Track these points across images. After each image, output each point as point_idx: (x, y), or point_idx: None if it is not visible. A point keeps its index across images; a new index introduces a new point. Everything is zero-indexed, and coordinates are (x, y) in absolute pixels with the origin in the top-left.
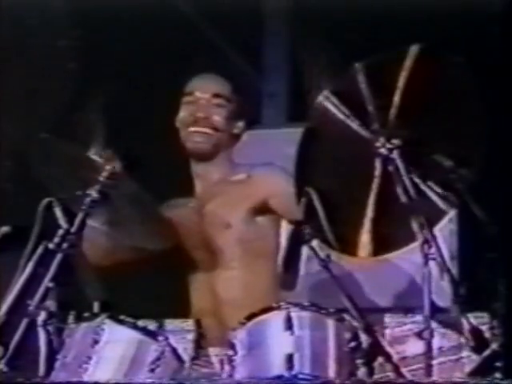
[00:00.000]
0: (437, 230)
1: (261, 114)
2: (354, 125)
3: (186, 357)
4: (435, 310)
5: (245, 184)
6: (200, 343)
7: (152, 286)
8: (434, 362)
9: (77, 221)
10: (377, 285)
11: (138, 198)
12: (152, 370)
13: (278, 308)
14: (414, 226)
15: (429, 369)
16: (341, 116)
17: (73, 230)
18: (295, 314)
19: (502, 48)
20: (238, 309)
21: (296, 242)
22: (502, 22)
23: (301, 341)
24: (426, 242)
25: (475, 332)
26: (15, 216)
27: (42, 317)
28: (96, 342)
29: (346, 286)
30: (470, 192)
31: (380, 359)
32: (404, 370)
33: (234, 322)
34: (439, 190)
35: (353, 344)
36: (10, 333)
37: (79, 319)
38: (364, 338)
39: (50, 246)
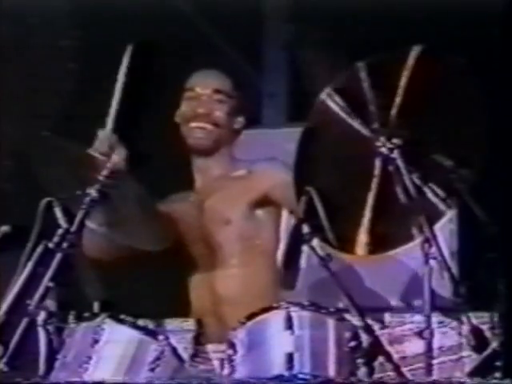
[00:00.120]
0: (437, 229)
1: (261, 114)
2: (355, 124)
3: (185, 356)
4: (435, 309)
5: (245, 179)
6: (199, 340)
7: (152, 285)
8: (434, 361)
9: (76, 220)
10: (377, 283)
11: (138, 197)
12: (152, 370)
13: (278, 307)
14: (414, 225)
15: (429, 368)
16: (342, 114)
17: (72, 229)
18: (295, 313)
19: (502, 48)
20: (237, 307)
21: (296, 240)
22: (502, 22)
23: (301, 340)
24: (426, 241)
25: (475, 332)
26: (15, 216)
27: (41, 316)
28: (96, 341)
29: (346, 284)
30: (470, 192)
31: (380, 359)
32: (404, 370)
33: (234, 320)
34: (439, 190)
35: (353, 343)
36: (9, 332)
37: (79, 319)
38: (364, 338)
39: (50, 245)
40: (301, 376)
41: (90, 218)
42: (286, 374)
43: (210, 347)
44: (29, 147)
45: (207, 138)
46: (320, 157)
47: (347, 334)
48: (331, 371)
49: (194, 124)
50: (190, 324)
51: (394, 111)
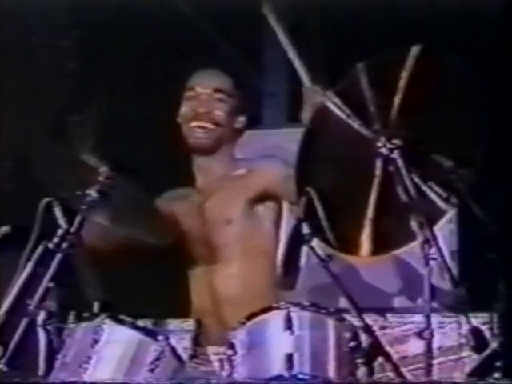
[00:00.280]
0: (437, 229)
1: (261, 114)
2: (355, 124)
3: (185, 356)
4: (435, 309)
5: (245, 178)
6: (199, 341)
7: (152, 285)
8: (434, 361)
9: (76, 221)
10: (376, 283)
11: (136, 197)
12: (152, 370)
13: (278, 308)
14: (414, 225)
15: (429, 369)
16: (342, 116)
17: (72, 229)
18: (295, 313)
19: (501, 48)
20: (237, 307)
21: (296, 241)
22: (502, 22)
23: (301, 341)
24: (426, 241)
25: (475, 332)
26: (15, 216)
27: (41, 317)
28: (96, 341)
29: (345, 285)
30: (470, 192)
31: (380, 359)
32: (404, 370)
33: (234, 320)
34: (439, 190)
35: (353, 344)
36: (9, 333)
37: (79, 319)
38: (364, 338)
39: (50, 245)
40: (300, 376)
41: (94, 213)
42: (286, 374)
43: (209, 349)
44: (29, 147)
45: (208, 137)
46: (320, 157)
47: (347, 335)
48: (331, 371)
49: (194, 123)
50: (189, 324)
51: (393, 111)
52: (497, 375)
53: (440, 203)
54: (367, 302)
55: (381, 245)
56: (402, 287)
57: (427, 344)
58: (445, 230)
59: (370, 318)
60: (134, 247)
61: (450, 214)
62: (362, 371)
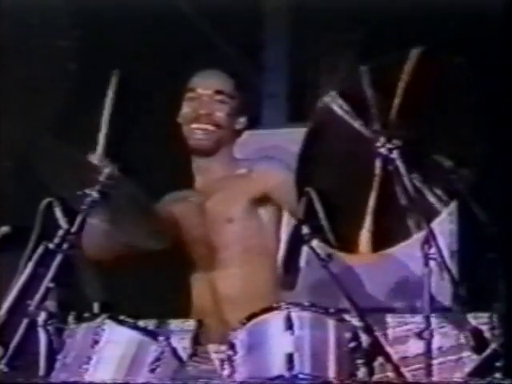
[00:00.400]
0: (437, 230)
1: (261, 114)
2: (356, 124)
3: (186, 357)
4: (435, 309)
5: (246, 178)
6: (199, 341)
7: (152, 285)
8: (434, 362)
9: (77, 221)
10: (376, 284)
11: (136, 199)
12: (152, 371)
13: (278, 308)
14: (414, 225)
15: (429, 369)
16: (344, 116)
17: (73, 230)
18: (295, 313)
19: (502, 48)
20: (238, 307)
21: (296, 241)
22: (502, 22)
23: (301, 341)
24: (426, 242)
25: (475, 332)
26: (15, 216)
27: (42, 317)
28: (96, 342)
29: (345, 285)
30: (470, 192)
31: (380, 359)
32: (404, 370)
33: (234, 319)
34: (439, 190)
35: (353, 344)
36: (10, 333)
37: (79, 319)
38: (364, 338)
39: (50, 246)
40: (301, 376)
41: (92, 215)
42: (286, 374)
43: (210, 347)
44: (29, 147)
45: (208, 138)
46: (320, 157)
47: (347, 335)
48: (331, 372)
49: (195, 125)
50: (190, 324)
51: (394, 112)
52: (497, 375)
53: (440, 203)
54: (367, 302)
55: (381, 245)
56: (402, 287)
57: (427, 344)
58: (445, 230)
59: (369, 318)
60: (133, 251)
61: (450, 214)
62: (362, 371)
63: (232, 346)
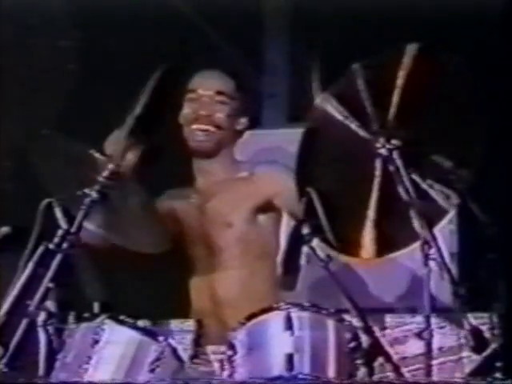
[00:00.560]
0: (437, 230)
1: (261, 115)
2: (353, 126)
3: (185, 357)
4: (435, 310)
5: (248, 182)
6: (199, 342)
7: (152, 286)
8: (434, 362)
9: (76, 221)
10: (376, 284)
11: (138, 199)
12: (152, 371)
13: (278, 308)
14: (415, 226)
15: (429, 369)
16: (340, 117)
17: (73, 230)
18: (295, 314)
19: (502, 48)
20: (237, 308)
21: (296, 242)
22: (502, 22)
23: (301, 341)
24: (426, 242)
25: (475, 332)
26: (15, 216)
27: (41, 317)
28: (96, 342)
29: (345, 285)
30: (469, 192)
31: (380, 359)
32: (404, 370)
33: (234, 321)
34: (439, 191)
35: (353, 344)
36: (10, 333)
37: (79, 319)
38: (364, 338)
39: (50, 246)
40: (301, 377)
41: (89, 220)
42: (286, 374)
43: (209, 348)
44: (29, 147)
45: (209, 140)
46: (320, 158)
47: (347, 335)
48: (331, 372)
49: (195, 126)
50: (189, 325)
51: (392, 112)
52: (497, 375)
53: (440, 204)
54: (367, 302)
55: (381, 245)
56: (402, 287)
57: (427, 344)
58: (445, 230)
59: (370, 319)
60: (131, 253)
61: (450, 214)
62: (362, 371)
63: (232, 347)
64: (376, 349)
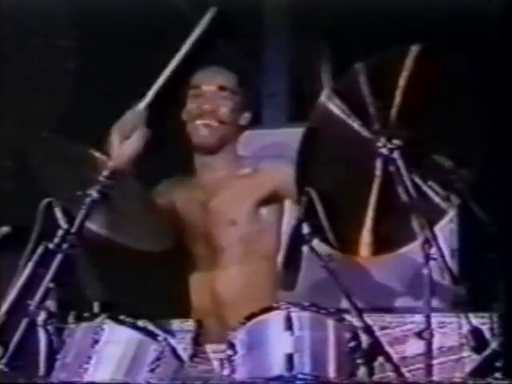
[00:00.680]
0: (437, 229)
1: (261, 114)
2: (355, 125)
3: (185, 356)
4: (435, 310)
5: (251, 178)
6: (198, 341)
7: (152, 286)
8: (434, 361)
9: (77, 221)
10: (377, 283)
11: (139, 197)
12: (152, 370)
13: (278, 308)
14: (415, 225)
15: (429, 369)
16: (342, 116)
17: (73, 230)
18: (295, 314)
19: (502, 48)
20: (237, 307)
21: (296, 241)
22: (502, 22)
23: (301, 341)
24: (426, 241)
25: (475, 332)
26: (15, 216)
27: (42, 317)
28: (96, 341)
29: (345, 285)
30: (470, 192)
31: (380, 359)
32: (404, 370)
33: (234, 320)
34: (440, 190)
35: (353, 344)
36: (10, 333)
37: (79, 319)
38: (364, 338)
39: (50, 246)
40: (301, 376)
41: (91, 220)
42: (286, 374)
43: (209, 347)
44: (29, 147)
45: (212, 135)
46: (321, 158)
47: (347, 335)
48: (331, 372)
49: (199, 121)
50: (189, 324)
51: (393, 112)
52: (497, 375)
53: (440, 203)
54: (367, 302)
55: (381, 245)
56: (402, 287)
57: (427, 344)
58: (445, 229)
59: (369, 318)
60: (132, 252)
61: (451, 213)
62: (362, 371)
63: (232, 346)
64: (376, 348)
